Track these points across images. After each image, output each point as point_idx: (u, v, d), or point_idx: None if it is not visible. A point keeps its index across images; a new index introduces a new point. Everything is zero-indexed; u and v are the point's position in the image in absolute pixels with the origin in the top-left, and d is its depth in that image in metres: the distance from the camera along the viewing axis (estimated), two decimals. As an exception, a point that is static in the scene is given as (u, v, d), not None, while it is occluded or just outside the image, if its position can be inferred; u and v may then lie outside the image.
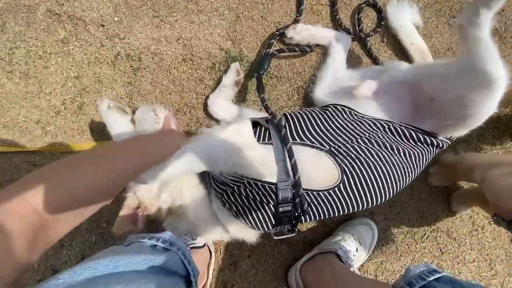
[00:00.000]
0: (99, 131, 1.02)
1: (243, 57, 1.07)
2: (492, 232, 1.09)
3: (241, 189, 0.76)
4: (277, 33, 1.06)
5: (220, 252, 0.99)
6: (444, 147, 0.86)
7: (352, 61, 1.11)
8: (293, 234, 0.82)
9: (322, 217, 0.81)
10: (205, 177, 0.81)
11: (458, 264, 1.05)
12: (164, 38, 1.05)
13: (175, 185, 0.80)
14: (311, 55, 1.10)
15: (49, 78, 1.02)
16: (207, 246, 0.89)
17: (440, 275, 0.60)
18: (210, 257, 0.91)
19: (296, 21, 1.08)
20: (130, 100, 1.04)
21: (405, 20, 1.09)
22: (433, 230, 1.07)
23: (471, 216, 1.09)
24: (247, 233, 0.84)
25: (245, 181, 0.75)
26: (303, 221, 0.83)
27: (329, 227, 1.03)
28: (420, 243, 1.05)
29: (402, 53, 1.11)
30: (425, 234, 1.06)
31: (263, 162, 0.74)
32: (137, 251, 0.54)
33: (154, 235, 0.60)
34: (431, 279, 0.59)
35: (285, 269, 0.99)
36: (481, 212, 1.10)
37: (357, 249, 0.92)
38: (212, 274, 0.98)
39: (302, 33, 1.04)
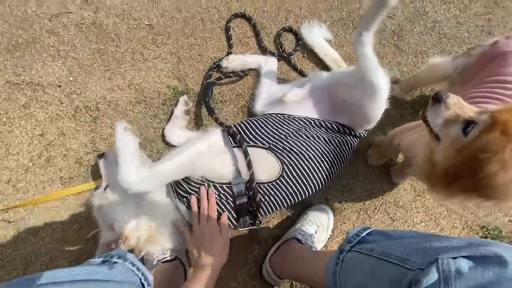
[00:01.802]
0: (67, 178, 1.10)
1: (189, 90, 1.23)
2: (432, 196, 1.24)
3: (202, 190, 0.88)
4: (214, 65, 1.23)
5: (198, 264, 1.06)
6: (362, 136, 1.03)
7: (283, 77, 1.30)
8: (255, 226, 0.93)
9: (278, 207, 0.93)
10: (169, 190, 0.92)
11: (408, 227, 1.18)
12: (117, 87, 1.19)
13: (146, 210, 0.90)
14: (247, 78, 1.27)
15: (15, 140, 1.11)
16: (179, 258, 0.96)
17: (371, 230, 0.72)
18: (186, 269, 0.97)
19: (228, 53, 1.27)
20: (93, 145, 1.14)
21: (317, 37, 1.32)
22: (382, 203, 1.20)
23: (412, 185, 1.24)
24: None
25: (205, 184, 0.88)
26: (263, 214, 0.94)
27: (292, 220, 1.13)
28: (373, 217, 1.17)
29: (322, 64, 1.32)
30: (376, 208, 1.19)
31: (223, 167, 0.89)
32: (80, 266, 0.63)
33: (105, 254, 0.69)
34: (364, 234, 0.71)
35: (259, 266, 1.06)
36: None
37: (316, 231, 1.03)
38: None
39: (234, 62, 1.22)
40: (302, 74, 1.30)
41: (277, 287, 1.04)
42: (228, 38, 1.29)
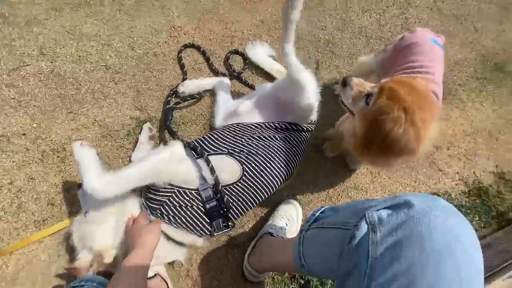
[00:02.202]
0: (41, 220, 1.11)
1: (152, 118, 1.31)
2: (387, 174, 1.37)
3: (172, 199, 0.94)
4: (172, 92, 1.34)
5: (182, 278, 1.08)
6: (311, 130, 1.16)
7: (238, 93, 1.43)
8: (229, 229, 1.00)
9: (247, 206, 1.01)
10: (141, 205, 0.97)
11: (370, 206, 1.28)
12: (82, 126, 1.25)
13: (118, 225, 0.94)
14: (205, 99, 1.38)
15: (-17, 193, 1.12)
16: (159, 275, 0.99)
17: (324, 208, 0.82)
18: (168, 285, 0.99)
19: (184, 79, 1.38)
20: (64, 185, 1.17)
21: (261, 55, 1.48)
22: (344, 189, 1.31)
23: (367, 168, 1.36)
24: (194, 239, 0.99)
25: (175, 190, 0.94)
26: (235, 216, 1.00)
27: (265, 220, 1.20)
28: (337, 203, 1.27)
29: (270, 76, 1.47)
30: (339, 194, 1.29)
31: (187, 172, 0.96)
32: None
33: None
34: (318, 213, 0.81)
35: (241, 269, 1.11)
36: (374, 163, 1.38)
37: (286, 224, 1.10)
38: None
39: (190, 86, 1.33)
40: (253, 88, 1.44)
41: (259, 281, 1.09)
42: (182, 66, 1.41)
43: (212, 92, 1.38)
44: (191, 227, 0.97)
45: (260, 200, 1.03)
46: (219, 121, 1.29)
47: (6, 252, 1.05)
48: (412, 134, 0.75)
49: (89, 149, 0.95)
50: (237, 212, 1.00)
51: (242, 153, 1.01)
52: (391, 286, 0.48)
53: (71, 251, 0.98)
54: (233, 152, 1.01)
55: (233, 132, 1.08)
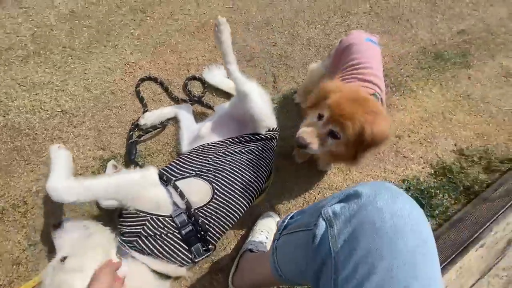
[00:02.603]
0: (7, 284, 1.02)
1: (116, 155, 1.28)
2: (357, 170, 1.40)
3: (147, 229, 0.89)
4: (133, 126, 1.32)
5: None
6: (275, 137, 1.17)
7: (202, 116, 1.43)
8: (210, 253, 0.96)
9: (226, 226, 0.98)
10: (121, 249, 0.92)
11: (346, 203, 1.29)
12: (42, 175, 1.19)
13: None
14: (168, 128, 1.38)
15: None
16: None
17: (292, 213, 0.81)
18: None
19: (144, 111, 1.37)
20: (28, 240, 1.09)
21: (218, 77, 1.51)
22: (319, 191, 1.31)
23: (338, 167, 1.39)
24: (176, 269, 0.94)
25: (148, 218, 0.90)
26: (215, 239, 0.97)
27: (247, 237, 1.17)
28: (315, 206, 1.27)
29: (230, 96, 1.49)
30: (315, 198, 1.30)
31: (156, 197, 0.93)
32: None
33: None
34: (288, 219, 0.80)
35: (227, 293, 1.06)
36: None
37: (267, 237, 1.08)
38: None
39: (151, 117, 1.33)
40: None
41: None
42: (141, 99, 1.41)
43: (175, 120, 1.38)
44: (170, 257, 0.91)
45: (237, 216, 1.01)
46: (185, 147, 1.28)
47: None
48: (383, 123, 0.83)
49: (65, 152, 0.98)
50: (215, 233, 0.97)
51: (209, 172, 1.00)
52: (355, 276, 0.47)
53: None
54: (200, 173, 1.00)
55: (198, 154, 1.07)
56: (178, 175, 1.01)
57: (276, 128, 1.21)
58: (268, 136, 1.15)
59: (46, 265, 1.07)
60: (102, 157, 1.26)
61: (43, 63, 1.41)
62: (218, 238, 0.99)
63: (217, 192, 0.97)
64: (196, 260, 0.96)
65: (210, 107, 1.45)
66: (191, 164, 1.04)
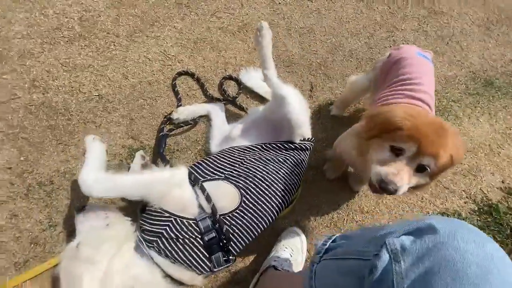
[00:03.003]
0: (23, 262, 1.00)
1: (145, 146, 1.24)
2: (392, 196, 1.29)
3: (169, 231, 0.84)
4: (165, 119, 1.29)
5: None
6: (308, 148, 1.10)
7: (234, 117, 1.38)
8: (230, 264, 0.89)
9: (249, 236, 0.91)
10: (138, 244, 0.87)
11: (378, 230, 1.19)
12: (71, 157, 1.18)
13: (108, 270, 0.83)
14: (200, 125, 1.33)
15: (-40, 234, 1.01)
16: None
17: (335, 236, 0.73)
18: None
19: (178, 106, 1.34)
20: (50, 221, 1.07)
21: (255, 79, 1.46)
22: (349, 213, 1.22)
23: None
24: (193, 277, 0.87)
25: (172, 219, 0.84)
26: (235, 249, 0.90)
27: (268, 250, 1.10)
28: (343, 228, 1.18)
29: (264, 100, 1.43)
30: (344, 219, 1.20)
31: (182, 197, 0.88)
32: None
33: None
34: (329, 242, 0.72)
35: (242, 307, 0.99)
36: (377, 183, 1.31)
37: (291, 255, 1.00)
38: None
39: (184, 112, 1.29)
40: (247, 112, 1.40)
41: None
42: (176, 93, 1.37)
43: (207, 118, 1.33)
44: (189, 263, 0.85)
45: (262, 228, 0.93)
46: (214, 146, 1.23)
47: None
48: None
49: (99, 144, 0.97)
50: (238, 244, 0.90)
51: (239, 177, 0.93)
52: None
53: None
54: (229, 177, 0.94)
55: (229, 156, 1.01)
56: (206, 176, 0.96)
57: (311, 138, 1.13)
58: (303, 146, 1.08)
59: (63, 248, 1.04)
60: (131, 146, 1.23)
61: (86, 47, 1.41)
62: (240, 249, 0.92)
63: (245, 200, 0.91)
64: (215, 270, 0.89)
65: (243, 109, 1.39)
66: (220, 165, 0.98)
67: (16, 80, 1.29)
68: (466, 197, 1.31)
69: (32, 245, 1.03)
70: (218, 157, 1.02)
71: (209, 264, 0.87)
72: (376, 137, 0.79)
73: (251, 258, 1.08)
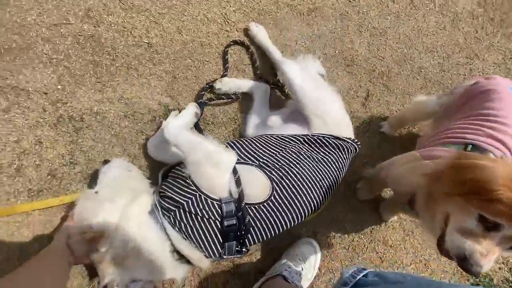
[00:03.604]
0: (36, 190, 0.97)
1: (181, 109, 1.15)
2: (421, 235, 1.16)
3: (190, 205, 0.77)
4: (207, 86, 1.19)
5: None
6: (351, 150, 0.96)
7: (277, 104, 1.27)
8: (241, 255, 0.82)
9: (266, 234, 0.83)
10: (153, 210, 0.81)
11: (397, 269, 1.07)
12: (107, 99, 1.12)
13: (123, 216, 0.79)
14: (240, 103, 1.23)
15: (-15, 145, 0.99)
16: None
17: (367, 271, 0.63)
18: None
19: (223, 75, 1.23)
20: (71, 157, 1.03)
21: (311, 70, 1.31)
22: (371, 241, 1.10)
23: (400, 223, 1.16)
24: (200, 258, 0.81)
25: (197, 195, 0.78)
26: (250, 242, 0.83)
27: (278, 254, 1.02)
28: (361, 255, 1.07)
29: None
30: (365, 246, 1.09)
31: (217, 181, 0.81)
32: None
33: None
34: (360, 275, 0.62)
35: (238, 305, 0.92)
36: (408, 218, 1.18)
37: (302, 268, 0.91)
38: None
39: (227, 84, 1.18)
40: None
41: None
42: (225, 61, 1.26)
43: (249, 98, 1.22)
44: (201, 243, 0.78)
45: (285, 228, 0.84)
46: (250, 129, 1.13)
47: (-12, 215, 0.92)
48: None
49: (195, 113, 1.00)
50: (255, 238, 0.82)
51: (274, 168, 0.83)
52: None
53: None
54: (264, 165, 0.84)
55: (267, 143, 0.91)
56: (240, 159, 0.87)
57: (356, 141, 1.00)
58: (349, 147, 0.95)
59: (77, 188, 1.01)
60: (167, 105, 1.15)
61: (148, -11, 1.31)
62: (255, 243, 0.84)
63: (275, 194, 0.81)
64: (224, 257, 0.82)
65: (289, 97, 1.27)
66: (256, 151, 0.89)
67: (72, 5, 1.22)
68: (502, 262, 1.15)
69: (49, 176, 1.00)
70: (255, 142, 0.92)
71: (220, 250, 0.80)
72: (460, 195, 0.62)
73: (258, 255, 1.01)
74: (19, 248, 0.91)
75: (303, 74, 1.06)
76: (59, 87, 1.09)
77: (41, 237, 0.93)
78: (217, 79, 1.19)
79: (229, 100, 1.19)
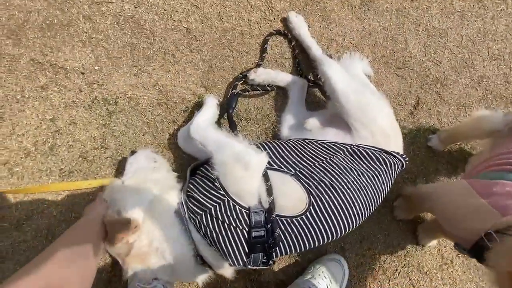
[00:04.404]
0: (67, 171, 0.96)
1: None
2: (462, 265, 1.03)
3: (217, 211, 0.71)
4: (241, 75, 1.10)
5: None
6: (397, 167, 0.84)
7: (315, 103, 1.16)
8: (267, 267, 0.76)
9: (296, 250, 0.75)
10: (179, 210, 0.76)
11: (432, 301, 0.96)
12: (141, 85, 1.06)
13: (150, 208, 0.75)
14: (277, 101, 1.13)
15: (23, 120, 0.98)
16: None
17: None
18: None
19: (258, 65, 1.13)
20: (103, 141, 1.00)
21: (357, 70, 1.17)
22: (404, 265, 0.99)
23: (439, 250, 1.04)
24: (223, 267, 0.76)
25: (225, 200, 0.72)
26: (277, 255, 0.76)
27: (301, 266, 0.94)
28: (392, 280, 0.97)
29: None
30: (396, 269, 0.98)
31: (245, 186, 0.73)
32: None
33: None
34: None
35: (255, 315, 0.87)
36: (448, 245, 1.05)
37: (327, 286, 0.83)
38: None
39: (262, 76, 1.08)
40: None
41: None
42: (263, 51, 1.15)
43: (285, 94, 1.12)
44: (226, 251, 0.72)
45: (316, 245, 0.75)
46: (284, 129, 1.04)
47: (22, 191, 0.91)
48: None
49: (216, 108, 0.98)
50: (283, 251, 0.75)
51: (312, 180, 0.74)
52: None
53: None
54: (301, 175, 0.75)
55: (305, 150, 0.81)
56: (273, 164, 0.78)
57: (405, 156, 0.87)
58: (396, 162, 0.83)
59: (106, 174, 0.98)
60: (202, 96, 1.08)
61: (192, -30, 1.21)
62: (281, 256, 0.77)
63: (312, 210, 0.72)
64: (249, 266, 0.76)
65: (330, 98, 1.15)
66: (293, 157, 0.79)
67: (114, -18, 1.16)
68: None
69: (81, 158, 0.98)
70: (292, 146, 0.83)
71: (245, 260, 0.74)
72: None
73: (281, 265, 0.94)
74: (47, 226, 0.91)
75: (347, 77, 0.93)
76: (96, 67, 1.05)
77: (68, 218, 0.92)
78: (251, 68, 1.10)
79: (264, 91, 1.10)
